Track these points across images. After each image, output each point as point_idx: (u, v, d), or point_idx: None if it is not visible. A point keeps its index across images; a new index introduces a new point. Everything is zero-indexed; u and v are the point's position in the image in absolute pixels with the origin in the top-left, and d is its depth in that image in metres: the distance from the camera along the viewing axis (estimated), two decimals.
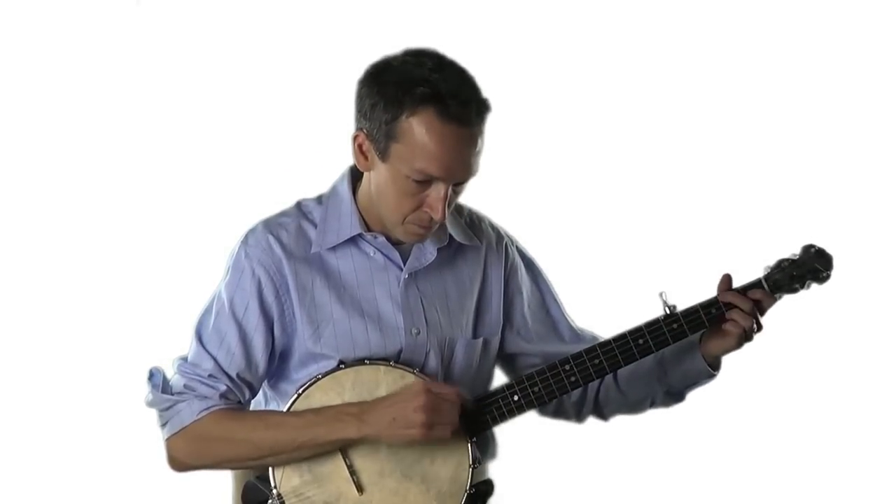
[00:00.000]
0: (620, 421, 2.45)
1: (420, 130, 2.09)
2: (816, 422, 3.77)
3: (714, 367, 2.30)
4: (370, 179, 2.21)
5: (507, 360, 2.41)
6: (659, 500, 3.73)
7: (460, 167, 2.12)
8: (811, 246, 2.27)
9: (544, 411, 2.42)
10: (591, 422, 2.45)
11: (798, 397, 3.75)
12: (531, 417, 2.35)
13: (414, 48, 2.16)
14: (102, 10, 3.79)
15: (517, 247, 2.42)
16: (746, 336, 2.24)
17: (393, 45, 2.18)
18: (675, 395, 2.38)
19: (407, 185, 2.13)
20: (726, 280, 2.26)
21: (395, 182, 2.14)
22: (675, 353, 2.31)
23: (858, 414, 3.77)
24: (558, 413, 2.44)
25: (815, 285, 2.26)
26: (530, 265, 2.42)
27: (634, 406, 2.41)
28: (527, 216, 2.84)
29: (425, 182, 2.12)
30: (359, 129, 2.16)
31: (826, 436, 3.77)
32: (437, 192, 2.13)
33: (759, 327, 2.26)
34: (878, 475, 3.74)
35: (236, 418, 2.21)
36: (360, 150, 2.17)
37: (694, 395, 2.37)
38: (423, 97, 2.08)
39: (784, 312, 2.32)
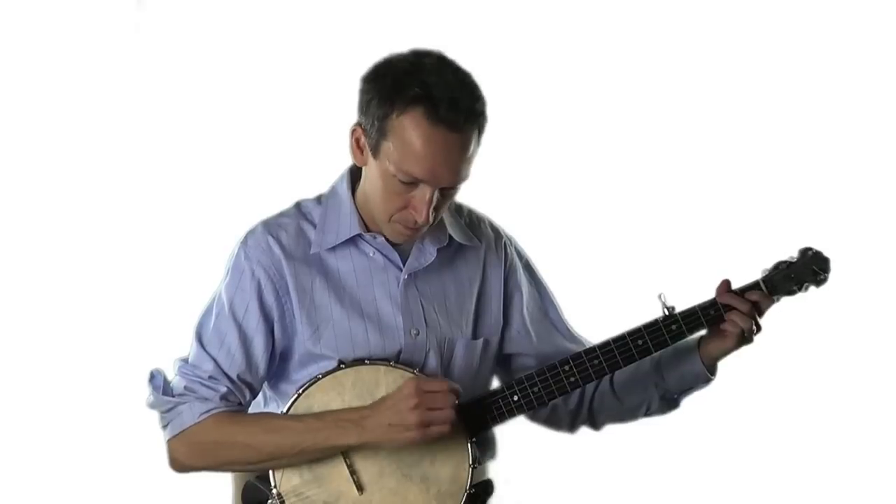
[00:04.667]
0: None
1: (408, 130, 2.09)
2: (814, 424, 3.77)
3: (711, 371, 2.30)
4: (366, 176, 2.21)
5: (503, 360, 2.41)
6: (659, 500, 3.74)
7: (446, 172, 2.12)
8: (808, 249, 2.27)
9: (536, 417, 2.41)
10: None
11: (796, 400, 3.75)
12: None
13: (421, 49, 2.16)
14: (103, 12, 3.79)
15: (516, 247, 2.42)
16: (745, 337, 2.24)
17: (393, 46, 2.19)
18: (670, 402, 2.37)
19: (394, 184, 2.13)
20: (725, 283, 2.27)
21: (383, 179, 2.14)
22: (672, 356, 2.32)
23: (857, 417, 3.77)
24: (551, 421, 2.43)
25: (812, 288, 2.27)
26: (528, 267, 2.42)
27: (629, 413, 2.40)
28: (526, 216, 2.85)
29: (412, 183, 2.13)
30: (357, 123, 2.17)
31: (824, 439, 3.77)
32: (423, 194, 2.13)
33: (758, 328, 2.26)
34: (878, 476, 3.74)
35: (237, 421, 2.21)
36: (356, 143, 2.18)
37: (694, 396, 2.36)
38: (414, 97, 2.08)
39: (781, 315, 2.33)
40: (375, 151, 2.14)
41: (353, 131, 2.18)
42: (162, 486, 2.98)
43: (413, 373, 2.21)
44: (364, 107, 2.14)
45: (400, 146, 2.10)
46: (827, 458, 3.75)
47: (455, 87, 2.10)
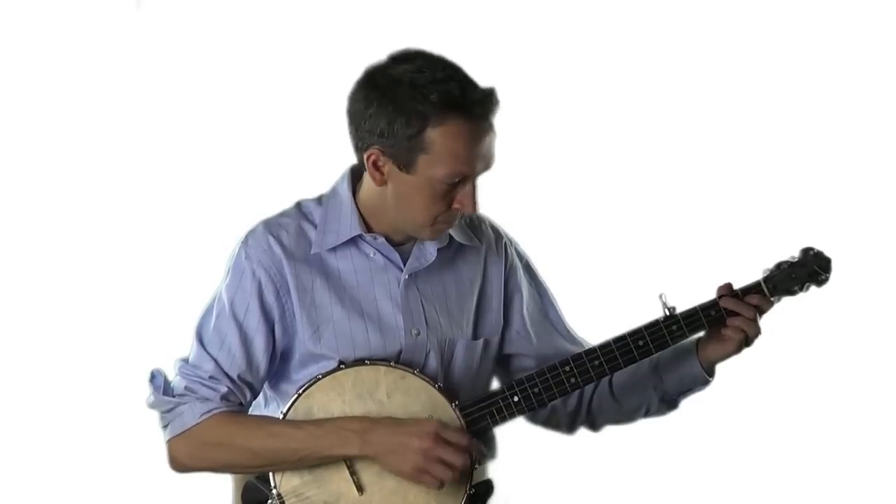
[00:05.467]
0: None
1: (449, 138, 2.11)
2: (814, 425, 3.77)
3: (709, 373, 2.30)
4: (384, 190, 2.20)
5: (502, 360, 2.41)
6: (658, 500, 3.74)
7: (486, 159, 2.17)
8: (810, 249, 2.28)
9: (535, 419, 2.41)
10: None
11: (795, 401, 3.75)
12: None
13: (396, 53, 2.16)
14: (103, 13, 3.79)
15: (516, 248, 2.42)
16: (747, 342, 2.25)
17: (393, 45, 2.18)
18: (669, 403, 2.37)
19: (440, 190, 2.15)
20: (727, 286, 2.27)
21: (426, 190, 2.15)
22: (671, 358, 2.32)
23: (857, 417, 3.77)
24: (550, 422, 2.43)
25: (813, 288, 2.27)
26: (528, 268, 2.43)
27: (628, 415, 2.40)
28: (527, 217, 2.85)
29: (457, 182, 2.15)
30: (368, 146, 2.16)
31: (824, 439, 3.77)
32: (468, 188, 2.16)
33: (758, 332, 2.26)
34: (879, 476, 3.74)
35: (237, 423, 2.21)
36: (374, 167, 2.17)
37: (693, 396, 2.36)
38: (442, 104, 2.09)
39: (782, 315, 2.32)
40: (410, 168, 2.14)
41: (369, 157, 2.17)
42: (162, 486, 2.98)
43: (413, 373, 2.21)
44: (382, 130, 2.12)
45: (446, 154, 2.12)
46: (827, 459, 3.75)
47: (464, 81, 2.13)
